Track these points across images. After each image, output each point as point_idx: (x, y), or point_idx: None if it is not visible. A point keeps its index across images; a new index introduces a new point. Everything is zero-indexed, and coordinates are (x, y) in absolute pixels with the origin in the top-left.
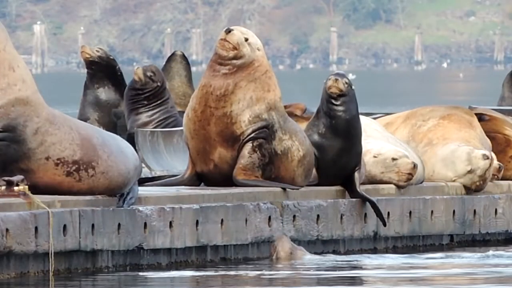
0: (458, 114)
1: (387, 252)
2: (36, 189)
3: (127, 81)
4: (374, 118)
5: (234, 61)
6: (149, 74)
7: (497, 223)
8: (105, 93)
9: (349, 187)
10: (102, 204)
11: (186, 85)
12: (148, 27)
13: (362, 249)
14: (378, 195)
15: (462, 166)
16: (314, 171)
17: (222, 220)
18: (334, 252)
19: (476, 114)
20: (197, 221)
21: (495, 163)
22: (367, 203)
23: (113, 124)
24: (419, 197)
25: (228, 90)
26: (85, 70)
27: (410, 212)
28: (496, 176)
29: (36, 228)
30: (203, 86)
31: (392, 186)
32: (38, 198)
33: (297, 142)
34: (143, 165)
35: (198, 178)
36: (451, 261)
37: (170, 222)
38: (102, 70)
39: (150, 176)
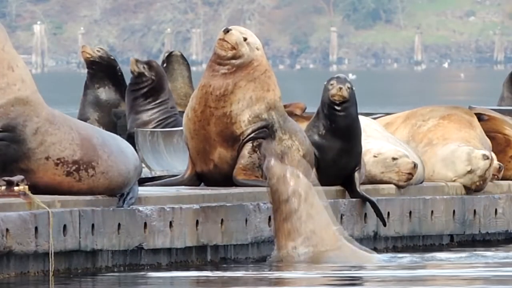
0: (458, 114)
1: (387, 252)
2: (36, 189)
3: (128, 81)
4: (374, 118)
5: (233, 61)
6: (142, 65)
7: (497, 223)
8: (105, 93)
9: (349, 187)
10: (102, 204)
11: (188, 85)
12: (148, 27)
13: None
14: (378, 195)
15: (462, 166)
16: (314, 171)
17: (222, 220)
18: None
19: (475, 114)
20: (197, 221)
21: (495, 163)
22: (367, 203)
23: (113, 124)
24: (419, 197)
25: (227, 90)
26: (85, 70)
27: (410, 212)
28: (496, 176)
29: (36, 228)
30: (202, 86)
31: (392, 186)
32: (38, 198)
33: (297, 142)
34: (143, 165)
35: (198, 178)
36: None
37: (170, 222)
38: (103, 70)
39: (150, 176)
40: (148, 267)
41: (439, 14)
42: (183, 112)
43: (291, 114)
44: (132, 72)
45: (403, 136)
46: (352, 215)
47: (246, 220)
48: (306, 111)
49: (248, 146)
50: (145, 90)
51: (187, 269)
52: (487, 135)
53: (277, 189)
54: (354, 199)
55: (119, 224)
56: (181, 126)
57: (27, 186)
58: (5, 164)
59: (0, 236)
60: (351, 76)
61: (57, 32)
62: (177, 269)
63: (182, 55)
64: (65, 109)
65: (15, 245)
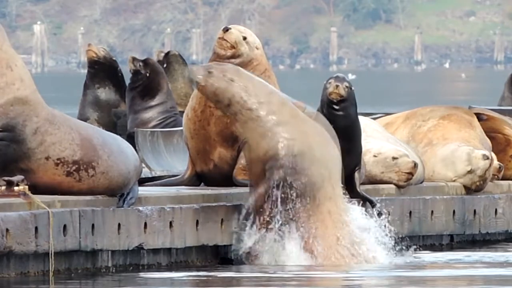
0: (458, 114)
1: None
2: (36, 189)
3: (128, 82)
4: (374, 118)
5: (233, 60)
6: (139, 63)
7: (497, 223)
8: (105, 93)
9: (349, 187)
10: (102, 204)
11: (188, 85)
12: (148, 27)
13: None
14: (378, 195)
15: (462, 166)
16: None
17: (222, 220)
18: None
19: (474, 114)
20: (197, 221)
21: (495, 163)
22: (367, 203)
23: (113, 124)
24: (419, 197)
25: None
26: (85, 70)
27: (410, 212)
28: (496, 176)
29: (36, 228)
30: None
31: (392, 186)
32: (38, 198)
33: None
34: (143, 165)
35: (198, 178)
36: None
37: (170, 222)
38: (105, 70)
39: (150, 176)
40: (148, 267)
41: (439, 14)
42: (183, 112)
43: None
44: (130, 71)
45: (403, 136)
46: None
47: None
48: (306, 111)
49: None
50: (141, 87)
51: (187, 269)
52: (487, 135)
53: (216, 87)
54: (354, 199)
55: (119, 224)
56: (181, 126)
57: (27, 186)
58: (5, 164)
59: (0, 236)
60: (350, 76)
61: (57, 32)
62: (177, 269)
63: (180, 55)
64: (65, 109)
65: (15, 245)
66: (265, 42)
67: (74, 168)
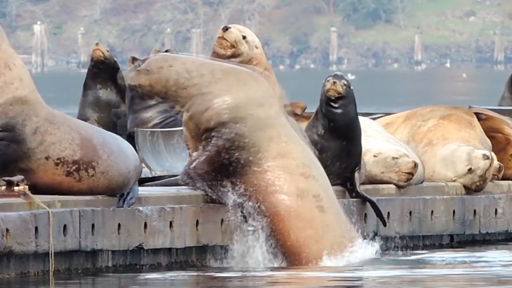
0: (458, 114)
1: (387, 252)
2: (36, 189)
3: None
4: (374, 118)
5: (233, 59)
6: (137, 63)
7: (497, 223)
8: (106, 94)
9: (349, 187)
10: (102, 204)
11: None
12: (148, 27)
13: None
14: (378, 195)
15: (462, 166)
16: None
17: (222, 220)
18: None
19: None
20: (197, 221)
21: (495, 163)
22: (367, 203)
23: (113, 124)
24: (419, 197)
25: None
26: (85, 70)
27: (410, 212)
28: (496, 176)
29: (36, 228)
30: None
31: (392, 186)
32: (38, 198)
33: None
34: (143, 165)
35: None
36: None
37: (170, 222)
38: (108, 70)
39: (150, 176)
40: (148, 267)
41: (439, 14)
42: None
43: (291, 113)
44: None
45: (403, 136)
46: (352, 215)
47: None
48: (306, 110)
49: None
50: None
51: (187, 269)
52: (487, 135)
53: (156, 78)
54: (354, 199)
55: (119, 224)
56: (181, 125)
57: (27, 186)
58: (5, 164)
59: (0, 236)
60: (350, 77)
61: (57, 32)
62: (177, 269)
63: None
64: (65, 109)
65: (15, 245)
66: (265, 42)
67: (74, 168)
